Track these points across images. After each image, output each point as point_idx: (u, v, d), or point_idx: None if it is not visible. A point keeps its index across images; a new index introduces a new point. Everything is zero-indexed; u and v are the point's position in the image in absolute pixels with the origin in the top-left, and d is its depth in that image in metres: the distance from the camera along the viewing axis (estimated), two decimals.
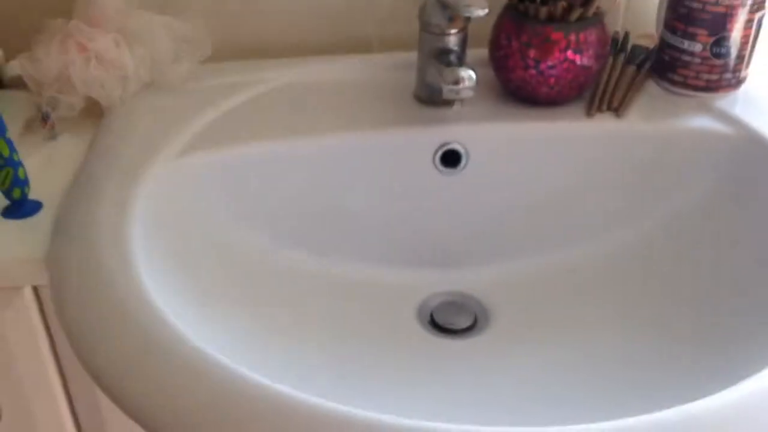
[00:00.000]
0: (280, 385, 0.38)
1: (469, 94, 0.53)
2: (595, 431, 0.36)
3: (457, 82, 0.53)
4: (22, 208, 0.50)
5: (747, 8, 0.56)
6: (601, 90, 0.60)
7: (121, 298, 0.42)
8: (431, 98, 0.59)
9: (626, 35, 0.66)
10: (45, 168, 0.55)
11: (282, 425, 0.36)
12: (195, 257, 0.51)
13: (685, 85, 0.60)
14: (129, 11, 0.59)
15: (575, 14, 0.55)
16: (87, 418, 0.54)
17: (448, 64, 0.55)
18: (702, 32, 0.57)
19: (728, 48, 0.58)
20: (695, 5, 0.57)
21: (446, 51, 0.56)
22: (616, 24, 0.67)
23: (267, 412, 0.37)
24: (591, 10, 0.55)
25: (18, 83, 0.60)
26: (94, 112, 0.60)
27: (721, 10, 0.56)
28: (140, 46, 0.59)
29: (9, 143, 0.49)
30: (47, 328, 0.50)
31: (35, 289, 0.49)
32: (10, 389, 0.51)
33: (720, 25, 0.57)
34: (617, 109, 0.58)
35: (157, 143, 0.54)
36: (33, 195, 0.51)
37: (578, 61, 0.56)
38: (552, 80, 0.56)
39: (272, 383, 0.38)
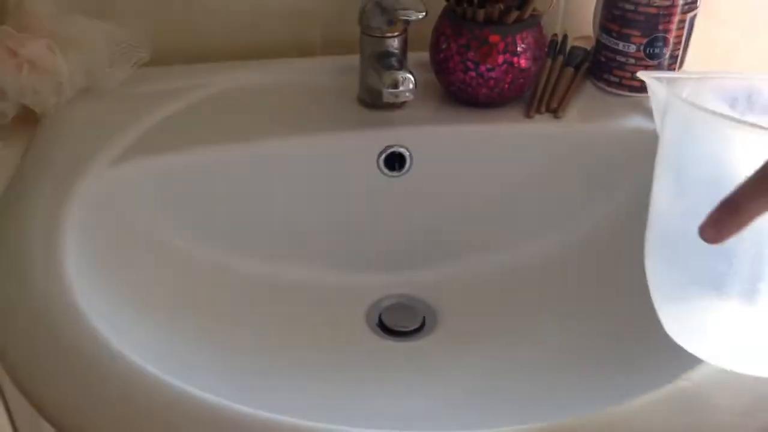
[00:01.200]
0: (222, 393, 0.37)
1: (409, 97, 0.53)
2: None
3: (396, 85, 0.53)
4: None
5: (679, 9, 0.58)
6: (540, 91, 0.61)
7: (52, 310, 0.41)
8: (374, 101, 0.59)
9: (565, 37, 0.67)
10: None
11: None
12: (130, 266, 0.50)
13: (621, 86, 0.61)
14: (62, 16, 0.58)
15: (512, 16, 0.56)
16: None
17: (389, 68, 0.55)
18: (636, 33, 0.59)
19: (661, 48, 0.59)
20: (628, 7, 0.58)
21: (387, 54, 0.57)
22: (554, 26, 0.68)
23: (207, 425, 0.36)
24: (527, 12, 0.56)
25: None
26: (28, 119, 0.58)
27: (653, 11, 0.58)
28: (75, 51, 0.57)
29: None
30: None
31: None
32: None
33: (653, 26, 0.58)
34: (556, 110, 0.59)
35: (92, 151, 0.53)
36: None
37: (516, 63, 0.56)
38: (492, 82, 0.57)
39: (209, 395, 0.37)
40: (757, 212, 0.28)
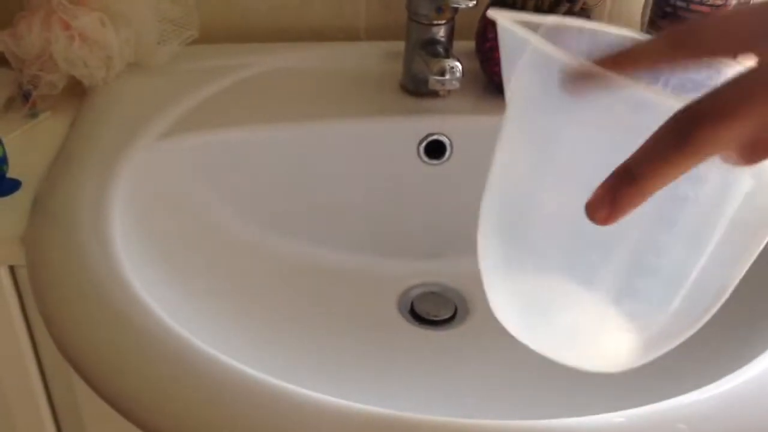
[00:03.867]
0: (255, 370, 0.38)
1: (455, 85, 0.53)
2: (571, 425, 0.36)
3: (443, 72, 0.53)
4: (0, 186, 0.50)
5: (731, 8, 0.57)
6: None
7: (99, 279, 0.42)
8: (417, 88, 0.59)
9: None
10: (25, 146, 0.54)
11: (254, 409, 0.36)
12: (174, 240, 0.51)
13: None
14: None
15: (562, 9, 0.55)
16: (61, 398, 0.53)
17: (435, 55, 0.55)
18: None
19: None
20: (680, 4, 0.57)
21: (433, 41, 0.56)
22: (601, 20, 0.68)
23: (240, 396, 0.37)
24: (578, 5, 0.56)
25: (0, 59, 0.59)
26: (76, 91, 0.59)
27: (705, 10, 0.57)
28: (125, 26, 0.58)
29: None
30: (23, 308, 0.50)
31: (11, 269, 0.48)
32: None
33: None
34: None
35: (139, 125, 0.54)
36: (12, 173, 0.51)
37: None
38: None
39: (248, 368, 0.38)
40: (657, 185, 0.23)
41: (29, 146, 0.54)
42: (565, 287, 0.28)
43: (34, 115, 0.57)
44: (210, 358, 0.38)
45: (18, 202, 0.49)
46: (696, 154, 0.23)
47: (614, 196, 0.24)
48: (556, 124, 0.27)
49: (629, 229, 0.26)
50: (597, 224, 0.24)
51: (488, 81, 0.60)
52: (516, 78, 0.29)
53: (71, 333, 0.40)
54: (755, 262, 0.28)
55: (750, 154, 0.24)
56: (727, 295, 0.28)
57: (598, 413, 0.36)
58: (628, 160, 0.24)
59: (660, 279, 0.27)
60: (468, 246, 0.58)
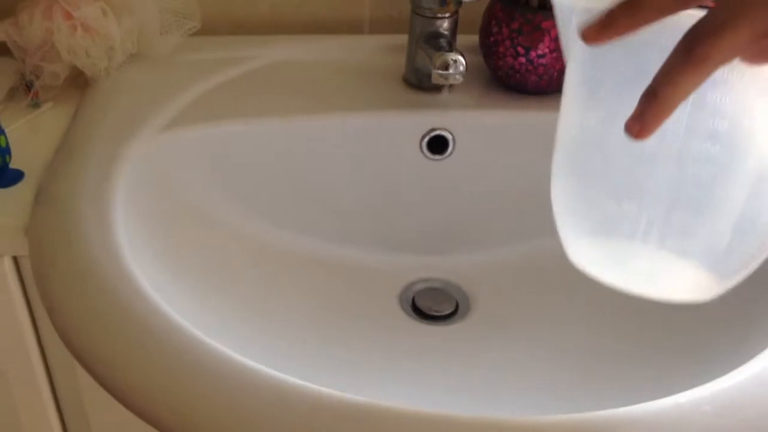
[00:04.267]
0: (256, 362, 0.38)
1: (458, 79, 0.53)
2: (568, 421, 0.36)
3: (446, 67, 0.53)
4: (3, 176, 0.50)
5: None
6: None
7: (101, 270, 0.42)
8: (420, 82, 0.59)
9: None
10: (27, 137, 0.54)
11: (256, 401, 0.37)
12: (177, 231, 0.51)
13: None
14: None
15: None
16: (64, 388, 0.54)
17: (438, 49, 0.55)
18: None
19: None
20: None
21: (437, 35, 0.56)
22: None
23: (242, 388, 0.37)
24: None
25: (2, 50, 0.59)
26: (78, 82, 0.59)
27: None
28: (128, 16, 0.58)
29: None
30: (26, 298, 0.50)
31: (15, 260, 0.48)
32: None
33: None
34: None
35: (141, 116, 0.54)
36: (15, 164, 0.51)
37: None
38: (541, 69, 0.56)
39: (250, 361, 0.38)
40: (676, 98, 0.28)
41: (32, 137, 0.54)
42: (622, 210, 0.31)
43: (36, 105, 0.57)
44: (211, 351, 0.38)
45: (21, 192, 0.49)
46: (702, 67, 0.27)
47: (643, 113, 0.28)
48: (615, 72, 0.31)
49: (670, 141, 0.30)
50: (634, 138, 0.29)
51: (492, 75, 0.60)
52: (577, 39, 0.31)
53: (74, 323, 0.40)
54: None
55: (757, 57, 0.28)
56: None
57: (599, 409, 0.36)
58: (652, 81, 0.28)
59: (707, 191, 0.30)
60: (469, 241, 0.59)
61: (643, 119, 0.28)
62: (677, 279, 0.32)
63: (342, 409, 0.36)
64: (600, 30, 0.29)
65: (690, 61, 0.27)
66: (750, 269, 0.31)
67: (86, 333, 0.39)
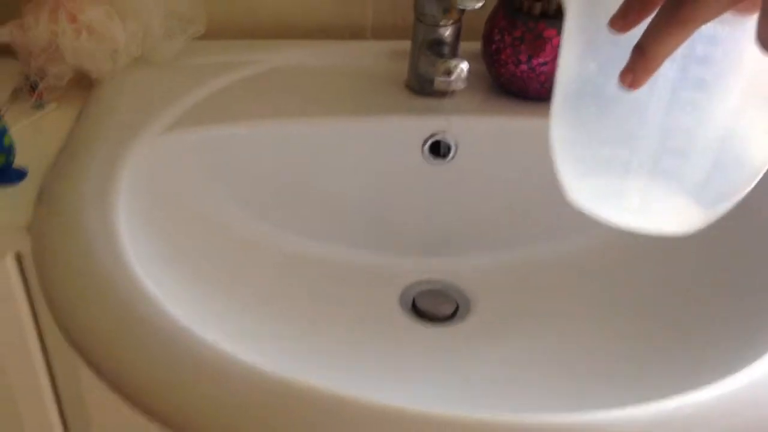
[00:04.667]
0: (256, 361, 0.38)
1: (461, 85, 0.53)
2: (568, 422, 0.36)
3: (449, 73, 0.53)
4: (6, 175, 0.50)
5: None
6: None
7: (104, 269, 0.42)
8: (422, 88, 0.59)
9: None
10: (31, 137, 0.54)
11: (258, 403, 0.37)
12: (178, 232, 0.51)
13: None
14: None
15: None
16: (66, 386, 0.54)
17: (441, 55, 0.56)
18: None
19: None
20: None
21: (440, 42, 0.57)
22: None
23: (240, 386, 0.37)
24: None
25: (7, 51, 0.59)
26: (82, 84, 0.59)
27: None
28: (132, 19, 0.59)
29: None
30: (28, 296, 0.50)
31: (17, 257, 0.48)
32: None
33: None
34: None
35: (144, 118, 0.54)
36: (18, 163, 0.51)
37: None
38: (543, 77, 0.57)
39: (249, 359, 0.38)
40: (663, 54, 0.30)
41: (35, 137, 0.55)
42: (616, 155, 0.34)
43: (40, 106, 0.58)
44: (211, 349, 0.38)
45: (24, 191, 0.49)
46: (688, 25, 0.29)
47: (633, 66, 0.30)
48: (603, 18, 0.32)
49: (660, 91, 0.32)
50: (627, 89, 0.31)
51: (494, 82, 0.61)
52: None
53: (76, 321, 0.40)
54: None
55: (745, 9, 0.29)
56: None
57: (599, 410, 0.36)
58: (641, 37, 0.30)
59: (692, 134, 0.33)
60: (470, 244, 0.59)
61: (634, 72, 0.30)
62: (666, 212, 0.35)
63: (343, 408, 0.37)
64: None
65: (676, 19, 0.29)
66: (732, 202, 0.34)
67: (88, 330, 0.40)
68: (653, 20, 0.30)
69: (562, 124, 0.36)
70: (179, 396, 0.37)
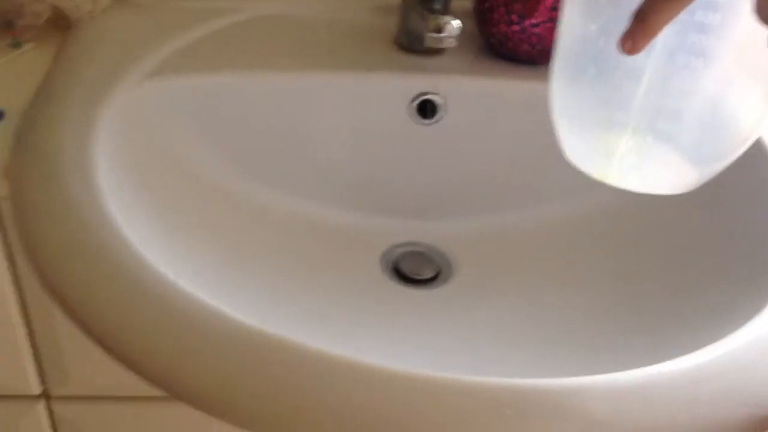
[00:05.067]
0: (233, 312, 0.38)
1: (452, 43, 0.52)
2: (539, 386, 0.37)
3: (440, 30, 0.52)
4: None
5: None
6: None
7: (81, 213, 0.41)
8: (411, 45, 0.58)
9: None
10: (7, 77, 0.53)
11: (235, 352, 0.37)
12: (157, 181, 0.50)
13: None
14: None
15: None
16: (42, 333, 0.53)
17: (432, 12, 0.54)
18: None
19: None
20: None
21: None
22: None
23: (222, 339, 0.37)
24: None
25: None
26: (61, 24, 0.57)
27: None
28: None
29: None
30: (5, 240, 0.49)
31: None
32: None
33: None
34: None
35: (125, 63, 0.53)
36: None
37: None
38: (534, 38, 0.56)
39: (229, 311, 0.38)
40: (662, 22, 0.31)
41: (12, 77, 0.53)
42: (612, 116, 0.35)
43: (17, 45, 0.56)
44: (188, 298, 0.38)
45: (0, 132, 0.47)
46: None
47: (633, 32, 0.31)
48: None
49: (658, 55, 0.33)
50: (626, 53, 0.32)
51: (484, 43, 0.60)
52: None
53: (53, 267, 0.39)
54: None
55: None
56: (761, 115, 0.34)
57: (581, 375, 0.37)
58: (641, 2, 0.31)
59: (688, 98, 0.34)
60: (455, 207, 0.59)
61: (634, 38, 0.31)
62: (660, 172, 0.36)
63: (323, 363, 0.37)
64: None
65: None
66: (723, 164, 0.35)
67: (65, 276, 0.39)
68: None
69: (562, 83, 0.36)
70: (155, 343, 0.37)
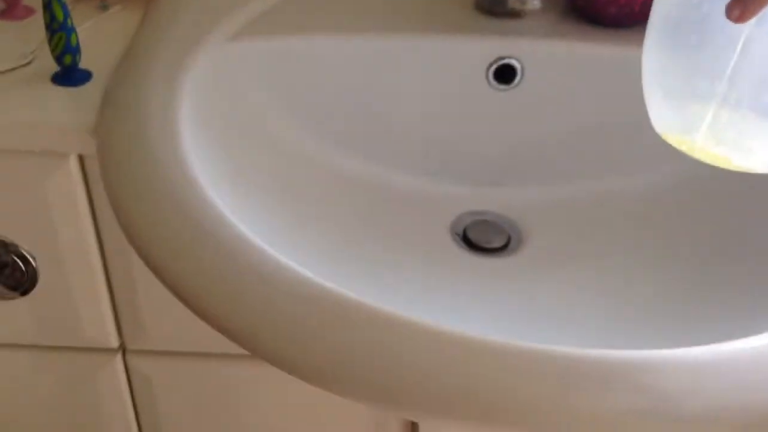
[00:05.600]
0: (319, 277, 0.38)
1: (536, 5, 0.51)
2: (611, 358, 0.36)
3: None
4: (72, 75, 0.50)
5: None
6: None
7: (167, 173, 0.43)
8: (492, 8, 0.57)
9: None
10: (95, 38, 0.54)
11: (314, 313, 0.37)
12: (237, 143, 0.51)
13: None
14: None
15: None
16: (122, 289, 0.56)
17: None
18: None
19: None
20: None
21: None
22: None
23: (304, 300, 0.38)
24: None
25: None
26: None
27: None
28: None
29: (64, 7, 0.48)
30: (90, 198, 0.51)
31: (81, 158, 0.49)
32: (49, 255, 0.53)
33: None
34: None
35: (209, 24, 0.53)
36: (82, 65, 0.51)
37: None
38: (623, 1, 0.54)
39: (308, 273, 0.38)
40: None
41: (100, 38, 0.54)
42: (712, 87, 0.33)
43: (105, 7, 0.57)
44: (268, 257, 0.39)
45: (88, 93, 0.49)
46: None
47: (741, 1, 0.30)
48: None
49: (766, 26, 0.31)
50: (734, 21, 0.30)
51: (569, 4, 0.57)
52: None
53: (137, 222, 0.41)
54: None
55: None
56: None
57: (652, 347, 0.36)
58: None
59: None
60: (528, 176, 0.58)
61: (744, 4, 0.29)
62: (761, 150, 0.34)
63: (391, 326, 0.37)
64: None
65: None
66: None
67: (149, 231, 0.41)
68: None
69: (659, 51, 0.34)
70: (229, 296, 0.38)
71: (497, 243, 0.55)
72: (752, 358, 0.36)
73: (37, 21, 0.52)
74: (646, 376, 0.35)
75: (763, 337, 0.37)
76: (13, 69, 0.51)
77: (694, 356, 0.36)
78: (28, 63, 0.52)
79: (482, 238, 0.55)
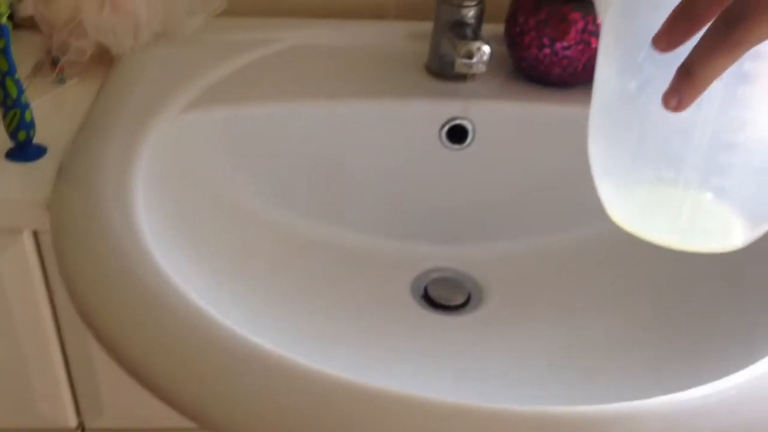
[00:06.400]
0: (266, 343, 0.38)
1: (482, 68, 0.53)
2: (575, 414, 0.36)
3: (470, 55, 0.52)
4: (26, 151, 0.50)
5: None
6: None
7: (120, 247, 0.42)
8: (443, 71, 0.59)
9: None
10: (52, 112, 0.55)
11: (271, 382, 0.37)
12: (195, 213, 0.52)
13: None
14: None
15: None
16: (79, 366, 0.55)
17: (463, 37, 0.55)
18: None
19: None
20: None
21: (462, 24, 0.56)
22: None
23: (255, 368, 0.37)
24: None
25: (30, 24, 0.59)
26: (103, 59, 0.59)
27: None
28: None
29: (18, 84, 0.49)
30: (44, 273, 0.50)
31: (35, 234, 0.49)
32: (3, 333, 0.52)
33: None
34: None
35: (164, 96, 0.54)
36: (38, 139, 0.51)
37: (594, 44, 0.55)
38: (565, 61, 0.56)
39: (263, 342, 0.38)
40: (711, 77, 0.29)
41: (56, 112, 0.55)
42: (660, 175, 0.33)
43: (61, 81, 0.58)
44: (223, 329, 0.39)
45: (43, 167, 0.49)
46: (738, 48, 0.28)
47: (679, 88, 0.29)
48: (645, 31, 0.31)
49: (706, 111, 0.31)
50: (672, 111, 0.30)
51: (515, 66, 0.59)
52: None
53: (91, 299, 0.41)
54: None
55: None
56: None
57: (613, 402, 0.36)
58: (687, 57, 0.29)
59: (740, 151, 0.32)
60: (484, 232, 0.59)
61: (680, 94, 0.29)
62: (712, 231, 0.34)
63: (351, 393, 0.37)
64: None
65: (728, 41, 0.28)
66: None
67: (103, 309, 0.40)
68: (701, 41, 0.28)
69: (602, 141, 0.35)
70: (187, 374, 0.38)
71: (458, 300, 0.55)
72: (715, 403, 0.37)
73: None
74: (613, 429, 0.35)
75: (712, 386, 0.37)
76: None
77: (660, 405, 0.36)
78: None
79: (443, 296, 0.55)
